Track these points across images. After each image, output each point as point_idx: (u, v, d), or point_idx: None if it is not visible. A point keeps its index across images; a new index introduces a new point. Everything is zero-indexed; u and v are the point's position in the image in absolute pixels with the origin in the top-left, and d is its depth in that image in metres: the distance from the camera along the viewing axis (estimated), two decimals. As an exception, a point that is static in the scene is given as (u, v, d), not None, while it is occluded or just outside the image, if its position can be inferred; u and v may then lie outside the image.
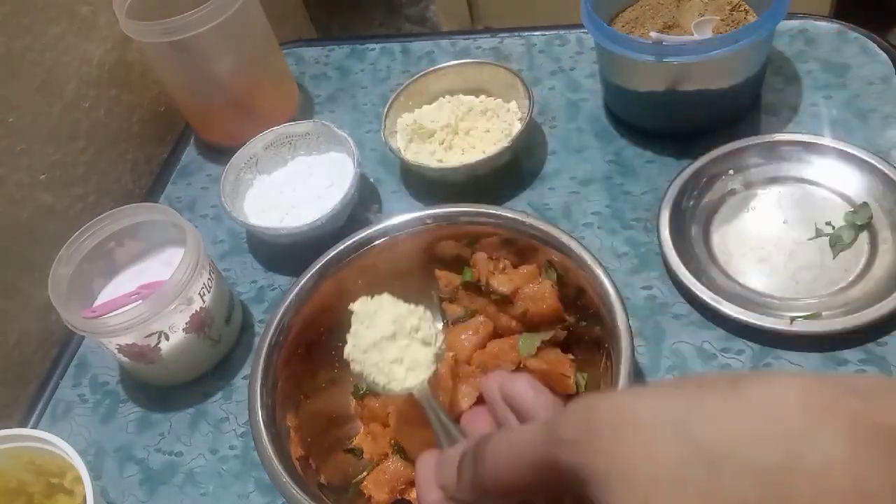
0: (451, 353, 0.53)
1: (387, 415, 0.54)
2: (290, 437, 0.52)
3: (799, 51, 0.75)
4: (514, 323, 0.55)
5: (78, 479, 0.51)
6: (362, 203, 0.73)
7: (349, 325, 0.47)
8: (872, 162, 0.62)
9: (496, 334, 0.56)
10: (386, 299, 0.48)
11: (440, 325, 0.60)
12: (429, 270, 0.60)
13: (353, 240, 0.57)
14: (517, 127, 0.71)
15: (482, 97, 0.76)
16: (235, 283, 0.71)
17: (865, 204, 0.61)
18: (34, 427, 0.66)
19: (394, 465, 0.52)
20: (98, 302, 0.66)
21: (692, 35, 0.67)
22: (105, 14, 0.79)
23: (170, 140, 0.89)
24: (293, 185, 0.74)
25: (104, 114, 0.81)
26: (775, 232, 0.62)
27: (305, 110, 0.85)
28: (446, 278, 0.59)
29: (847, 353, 0.54)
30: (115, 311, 0.60)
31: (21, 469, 0.55)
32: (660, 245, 0.62)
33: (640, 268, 0.63)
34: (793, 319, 0.55)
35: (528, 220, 0.55)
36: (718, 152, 0.65)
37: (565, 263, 0.54)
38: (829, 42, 0.75)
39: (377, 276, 0.58)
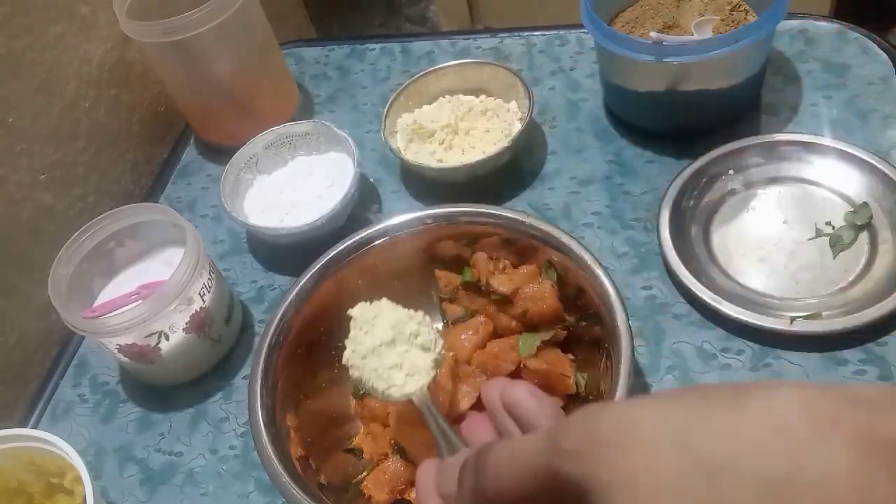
0: (451, 353, 0.53)
1: (387, 415, 0.54)
2: (290, 437, 0.52)
3: (799, 51, 0.75)
4: (514, 323, 0.55)
5: (78, 479, 0.51)
6: (362, 203, 0.73)
7: (348, 331, 0.47)
8: (872, 162, 0.62)
9: (496, 334, 0.56)
10: (385, 304, 0.48)
11: (440, 326, 0.60)
12: (429, 270, 0.60)
13: (353, 240, 0.57)
14: (517, 127, 0.71)
15: (482, 97, 0.76)
16: (235, 283, 0.71)
17: (865, 204, 0.61)
18: (34, 427, 0.66)
19: (394, 465, 0.52)
20: (98, 302, 0.66)
21: (692, 35, 0.67)
22: (105, 14, 0.79)
23: (170, 140, 0.89)
24: (293, 185, 0.74)
25: (104, 114, 0.81)
26: (775, 232, 0.62)
27: (305, 110, 0.85)
28: (446, 278, 0.59)
29: (847, 353, 0.55)
30: (115, 311, 0.60)
31: (21, 469, 0.55)
32: (660, 245, 0.62)
33: (640, 268, 0.63)
34: (793, 319, 0.55)
35: (528, 220, 0.55)
36: (718, 152, 0.65)
37: (565, 263, 0.54)
38: (829, 42, 0.75)
39: (377, 276, 0.58)
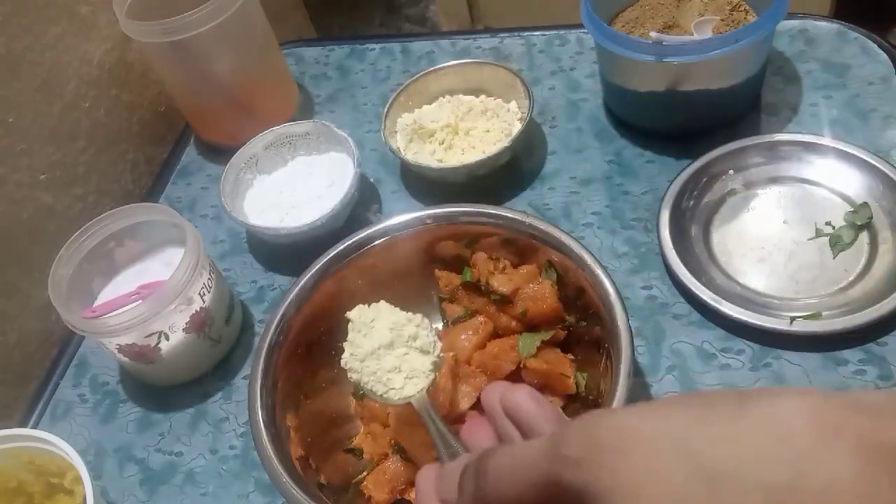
0: (451, 353, 0.53)
1: (387, 415, 0.54)
2: (290, 437, 0.52)
3: (799, 51, 0.75)
4: (514, 323, 0.55)
5: (78, 479, 0.51)
6: (362, 203, 0.73)
7: (347, 333, 0.47)
8: (872, 162, 0.62)
9: (496, 334, 0.56)
10: (383, 307, 0.47)
11: (440, 326, 0.60)
12: (429, 270, 0.60)
13: (353, 240, 0.57)
14: (517, 127, 0.71)
15: (482, 97, 0.76)
16: (235, 283, 0.71)
17: (865, 204, 0.61)
18: (34, 427, 0.66)
19: (394, 465, 0.52)
20: (98, 302, 0.66)
21: (692, 35, 0.67)
22: (105, 14, 0.79)
23: (170, 140, 0.89)
24: (293, 185, 0.74)
25: (104, 114, 0.81)
26: (775, 232, 0.62)
27: (305, 110, 0.85)
28: (446, 278, 0.59)
29: (847, 353, 0.55)
30: (115, 311, 0.60)
31: (21, 469, 0.55)
32: (660, 245, 0.62)
33: (640, 268, 0.63)
34: (793, 319, 0.55)
35: (528, 220, 0.55)
36: (718, 152, 0.65)
37: (565, 263, 0.53)
38: (829, 42, 0.75)
39: (377, 276, 0.58)
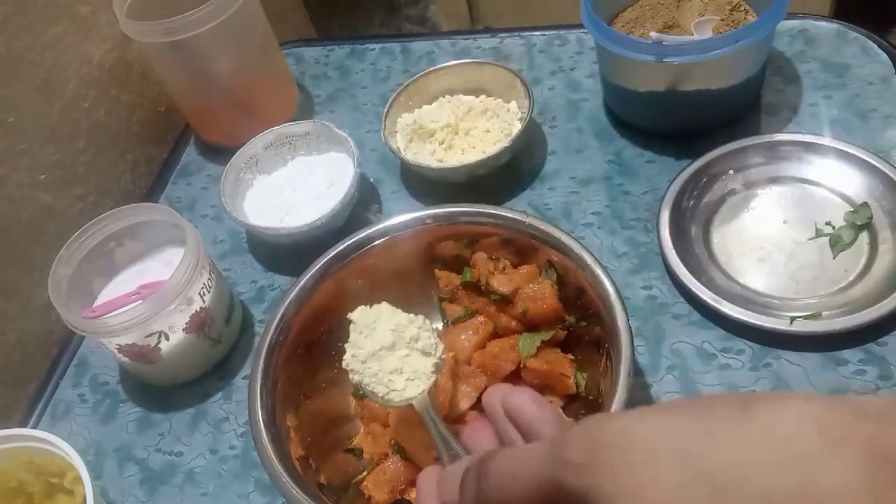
0: (451, 353, 0.53)
1: (387, 415, 0.54)
2: (290, 437, 0.52)
3: (799, 51, 0.75)
4: (514, 323, 0.55)
5: (78, 479, 0.51)
6: (362, 203, 0.73)
7: (348, 333, 0.47)
8: (872, 162, 0.62)
9: (496, 334, 0.56)
10: (385, 308, 0.47)
11: (440, 326, 0.60)
12: (429, 270, 0.60)
13: (353, 240, 0.57)
14: (517, 127, 0.71)
15: (482, 97, 0.76)
16: (235, 283, 0.71)
17: (865, 204, 0.61)
18: (34, 427, 0.66)
19: (394, 465, 0.52)
20: (98, 302, 0.66)
21: (692, 35, 0.67)
22: (105, 14, 0.79)
23: (170, 140, 0.89)
24: (293, 185, 0.74)
25: (104, 114, 0.81)
26: (775, 232, 0.62)
27: (305, 110, 0.85)
28: (446, 278, 0.59)
29: (847, 353, 0.54)
30: (115, 311, 0.60)
31: (21, 469, 0.55)
32: (660, 245, 0.62)
33: (640, 268, 0.63)
34: (793, 319, 0.55)
35: (528, 220, 0.55)
36: (718, 152, 0.65)
37: (565, 263, 0.53)
38: (829, 42, 0.75)
39: (377, 276, 0.58)
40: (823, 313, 0.55)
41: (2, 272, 0.68)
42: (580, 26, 0.68)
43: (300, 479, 0.47)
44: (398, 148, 0.72)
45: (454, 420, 0.51)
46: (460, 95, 0.76)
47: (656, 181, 0.68)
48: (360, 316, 0.47)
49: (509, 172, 0.72)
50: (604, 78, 0.73)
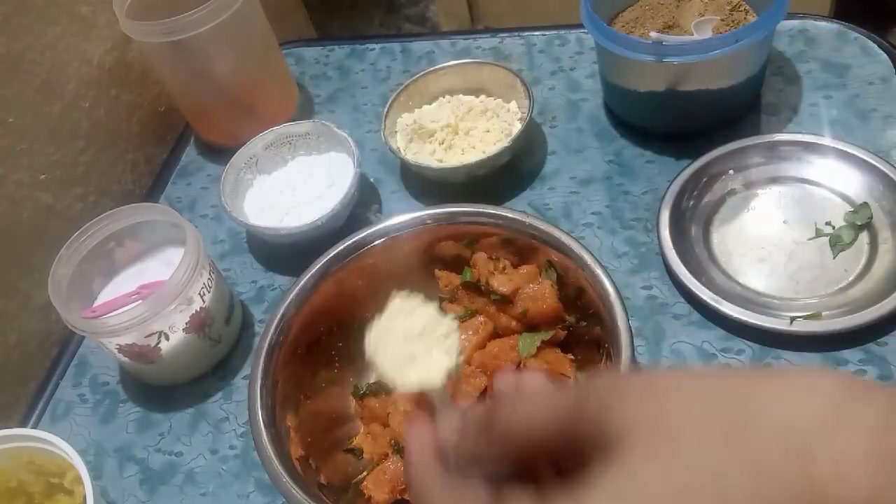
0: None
1: (387, 415, 0.54)
2: (290, 437, 0.52)
3: (799, 51, 0.75)
4: (514, 323, 0.55)
5: (78, 479, 0.51)
6: (362, 203, 0.73)
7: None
8: (872, 162, 0.62)
9: (496, 334, 0.56)
10: (422, 301, 0.47)
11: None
12: (429, 270, 0.60)
13: (353, 240, 0.57)
14: (517, 127, 0.71)
15: (482, 97, 0.76)
16: (235, 283, 0.71)
17: (865, 204, 0.61)
18: (34, 427, 0.66)
19: (394, 465, 0.52)
20: (98, 302, 0.66)
21: (692, 35, 0.67)
22: (105, 14, 0.79)
23: (170, 140, 0.89)
24: (293, 185, 0.74)
25: (104, 114, 0.81)
26: (775, 232, 0.62)
27: (305, 110, 0.85)
28: (446, 278, 0.59)
29: (847, 353, 0.55)
30: (115, 311, 0.60)
31: (21, 469, 0.55)
32: (660, 245, 0.62)
33: (640, 268, 0.63)
34: (793, 319, 0.55)
35: (528, 220, 0.55)
36: (718, 152, 0.65)
37: (565, 263, 0.53)
38: (829, 42, 0.75)
39: (377, 276, 0.58)
40: (823, 313, 0.55)
41: (2, 272, 0.68)
42: (580, 26, 0.68)
43: (300, 479, 0.47)
44: (398, 148, 0.72)
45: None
46: (460, 95, 0.76)
47: (656, 181, 0.68)
48: (403, 299, 0.47)
49: (509, 172, 0.72)
50: (604, 78, 0.73)
